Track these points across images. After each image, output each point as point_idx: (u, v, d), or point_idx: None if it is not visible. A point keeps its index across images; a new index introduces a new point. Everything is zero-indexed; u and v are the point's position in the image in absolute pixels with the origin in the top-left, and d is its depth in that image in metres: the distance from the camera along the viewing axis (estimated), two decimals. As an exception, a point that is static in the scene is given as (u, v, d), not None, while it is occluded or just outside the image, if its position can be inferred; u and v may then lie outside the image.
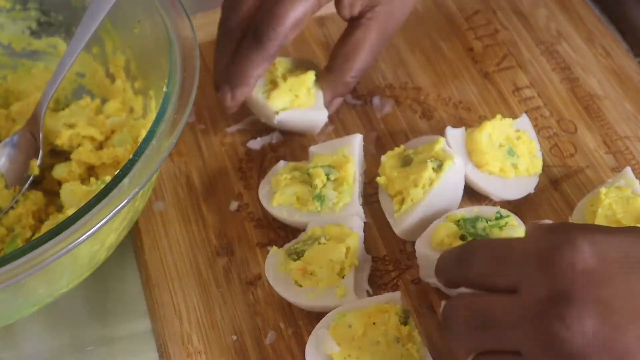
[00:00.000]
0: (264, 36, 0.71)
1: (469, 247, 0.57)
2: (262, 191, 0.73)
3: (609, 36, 0.86)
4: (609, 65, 0.83)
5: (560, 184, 0.75)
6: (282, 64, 0.78)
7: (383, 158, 0.72)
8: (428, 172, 0.67)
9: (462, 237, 0.65)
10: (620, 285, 0.50)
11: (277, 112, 0.76)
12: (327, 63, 0.77)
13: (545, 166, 0.76)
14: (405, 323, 0.62)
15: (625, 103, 0.80)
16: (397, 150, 0.72)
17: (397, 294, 0.64)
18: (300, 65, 0.79)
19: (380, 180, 0.71)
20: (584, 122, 0.79)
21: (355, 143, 0.73)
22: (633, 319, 0.49)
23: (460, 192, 0.71)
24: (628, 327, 0.49)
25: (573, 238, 0.51)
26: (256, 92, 0.77)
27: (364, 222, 0.70)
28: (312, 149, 0.74)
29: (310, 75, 0.76)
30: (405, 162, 0.71)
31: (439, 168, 0.68)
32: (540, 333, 0.50)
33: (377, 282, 0.69)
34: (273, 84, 0.77)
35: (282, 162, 0.74)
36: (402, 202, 0.69)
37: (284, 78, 0.77)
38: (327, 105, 0.77)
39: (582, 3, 0.89)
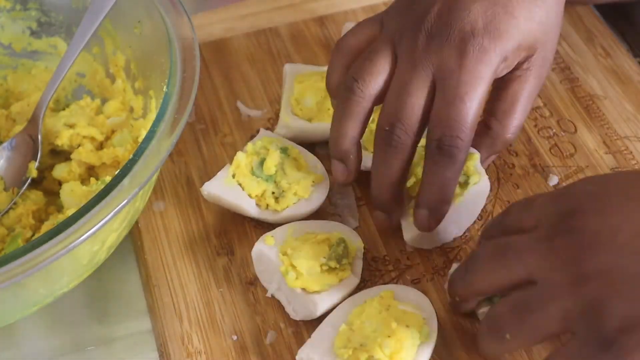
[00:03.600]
0: (454, 149, 0.63)
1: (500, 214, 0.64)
2: None
3: (609, 36, 0.86)
4: (609, 65, 0.83)
5: (559, 184, 0.75)
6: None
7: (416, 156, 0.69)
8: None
9: None
10: (622, 207, 0.55)
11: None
12: (484, 119, 0.69)
13: (545, 166, 0.76)
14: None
15: (625, 103, 0.80)
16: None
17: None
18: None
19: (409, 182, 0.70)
20: (584, 122, 0.79)
21: None
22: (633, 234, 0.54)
23: (476, 213, 0.71)
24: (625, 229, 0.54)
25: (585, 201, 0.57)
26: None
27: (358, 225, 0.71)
28: None
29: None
30: None
31: (464, 184, 0.68)
32: (552, 250, 0.55)
33: (377, 282, 0.69)
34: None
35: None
36: None
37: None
38: (483, 162, 0.71)
39: (581, 3, 0.89)
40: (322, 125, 0.76)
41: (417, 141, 0.66)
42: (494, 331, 0.57)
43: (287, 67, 0.80)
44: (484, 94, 0.64)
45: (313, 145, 0.77)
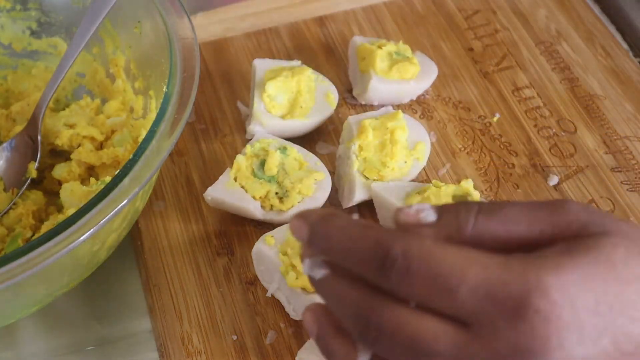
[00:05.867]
0: None
1: (399, 248, 0.43)
2: None
3: (609, 36, 0.86)
4: (609, 65, 0.83)
5: (559, 184, 0.75)
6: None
7: None
8: None
9: None
10: (594, 344, 0.43)
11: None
12: None
13: (545, 166, 0.76)
14: None
15: (625, 103, 0.80)
16: None
17: None
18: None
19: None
20: (584, 122, 0.79)
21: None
22: None
23: None
24: None
25: (541, 281, 0.42)
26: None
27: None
28: None
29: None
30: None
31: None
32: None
33: (377, 282, 0.69)
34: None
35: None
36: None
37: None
38: None
39: (581, 3, 0.89)
40: (294, 122, 0.76)
41: None
42: None
43: (257, 62, 0.79)
44: None
45: (313, 144, 0.77)
